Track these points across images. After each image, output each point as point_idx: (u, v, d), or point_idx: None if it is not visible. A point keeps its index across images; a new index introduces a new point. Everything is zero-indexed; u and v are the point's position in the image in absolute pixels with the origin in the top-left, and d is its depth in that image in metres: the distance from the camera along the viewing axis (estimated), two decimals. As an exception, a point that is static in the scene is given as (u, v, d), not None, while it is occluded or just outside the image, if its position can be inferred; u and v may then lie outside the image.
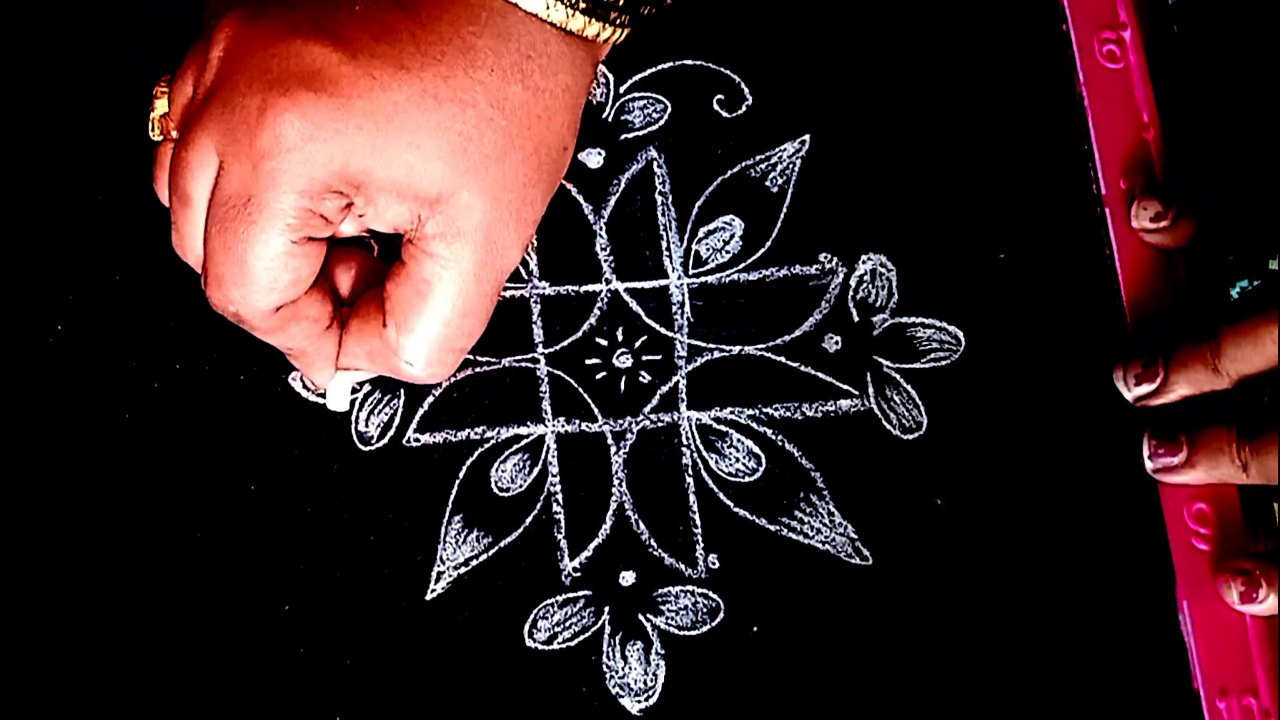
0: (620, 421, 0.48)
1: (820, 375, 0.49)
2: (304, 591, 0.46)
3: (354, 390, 0.48)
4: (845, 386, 0.49)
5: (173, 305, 0.47)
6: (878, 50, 0.52)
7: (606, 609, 0.47)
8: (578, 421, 0.48)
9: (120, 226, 0.48)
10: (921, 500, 0.48)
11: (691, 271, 0.50)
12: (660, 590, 0.47)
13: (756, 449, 0.48)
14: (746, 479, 0.48)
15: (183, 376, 0.47)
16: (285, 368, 0.47)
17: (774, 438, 0.48)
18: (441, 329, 0.43)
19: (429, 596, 0.46)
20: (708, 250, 0.50)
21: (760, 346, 0.49)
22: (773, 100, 0.51)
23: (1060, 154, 0.51)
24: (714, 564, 0.47)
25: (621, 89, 0.51)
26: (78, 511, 0.46)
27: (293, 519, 0.47)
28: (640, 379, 0.49)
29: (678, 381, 0.49)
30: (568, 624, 0.47)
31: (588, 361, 0.49)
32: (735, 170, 0.50)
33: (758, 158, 0.50)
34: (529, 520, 0.47)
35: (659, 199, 0.50)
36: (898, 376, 0.49)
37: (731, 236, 0.50)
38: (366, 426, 0.48)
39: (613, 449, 0.48)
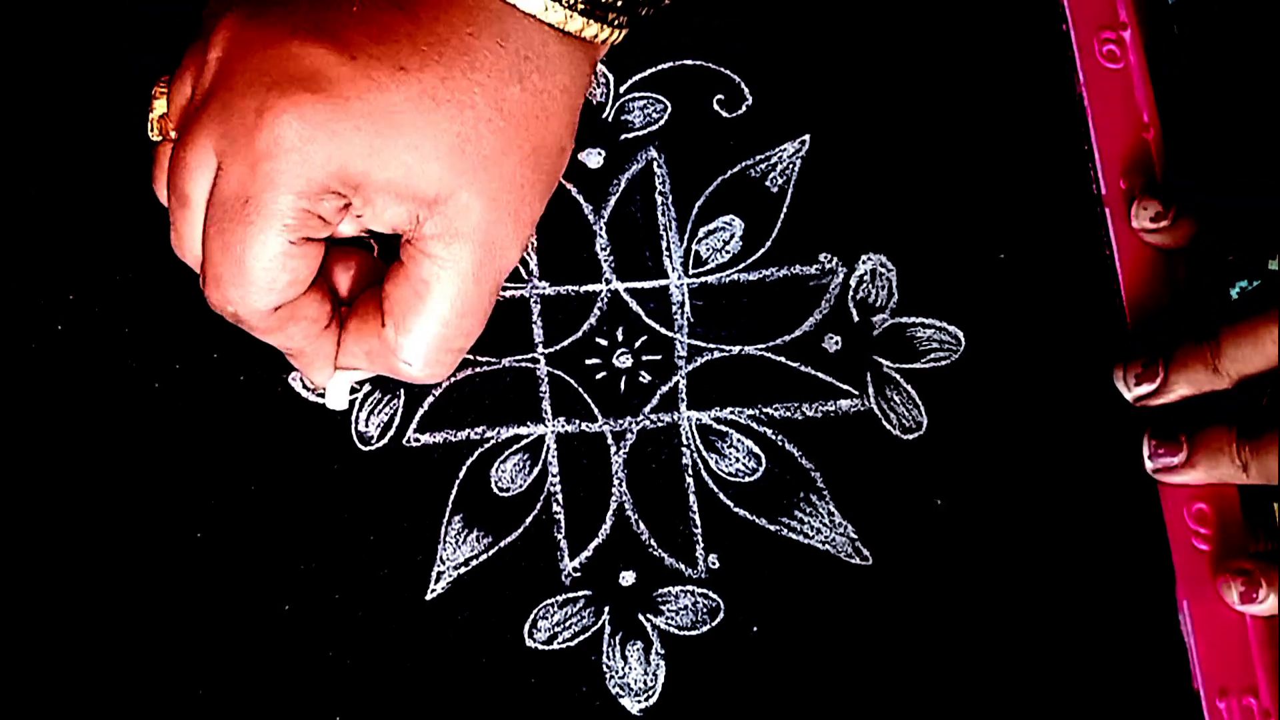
0: (620, 421, 0.48)
1: (820, 375, 0.49)
2: (304, 591, 0.46)
3: (353, 389, 0.48)
4: (845, 386, 0.49)
5: (173, 305, 0.47)
6: (878, 50, 0.52)
7: (606, 609, 0.47)
8: (578, 421, 0.48)
9: (120, 226, 0.48)
10: (921, 500, 0.48)
11: (691, 271, 0.50)
12: (660, 590, 0.47)
13: (756, 449, 0.48)
14: (746, 479, 0.48)
15: (183, 376, 0.47)
16: (285, 368, 0.47)
17: (774, 438, 0.48)
18: (440, 329, 0.43)
19: (429, 596, 0.46)
20: (708, 250, 0.50)
21: (760, 346, 0.49)
22: (773, 100, 0.51)
23: (1060, 154, 0.51)
24: (714, 564, 0.47)
25: (621, 89, 0.51)
26: (78, 511, 0.46)
27: (293, 519, 0.47)
28: (640, 379, 0.49)
29: (678, 381, 0.49)
30: (568, 624, 0.47)
31: (588, 361, 0.49)
32: (735, 170, 0.50)
33: (758, 158, 0.50)
34: (529, 520, 0.47)
35: (659, 199, 0.50)
36: (898, 376, 0.49)
37: (731, 236, 0.50)
38: (366, 426, 0.48)
39: (613, 449, 0.48)
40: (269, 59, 0.40)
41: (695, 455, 0.48)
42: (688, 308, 0.49)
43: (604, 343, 0.49)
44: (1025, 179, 0.51)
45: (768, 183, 0.50)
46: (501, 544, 0.47)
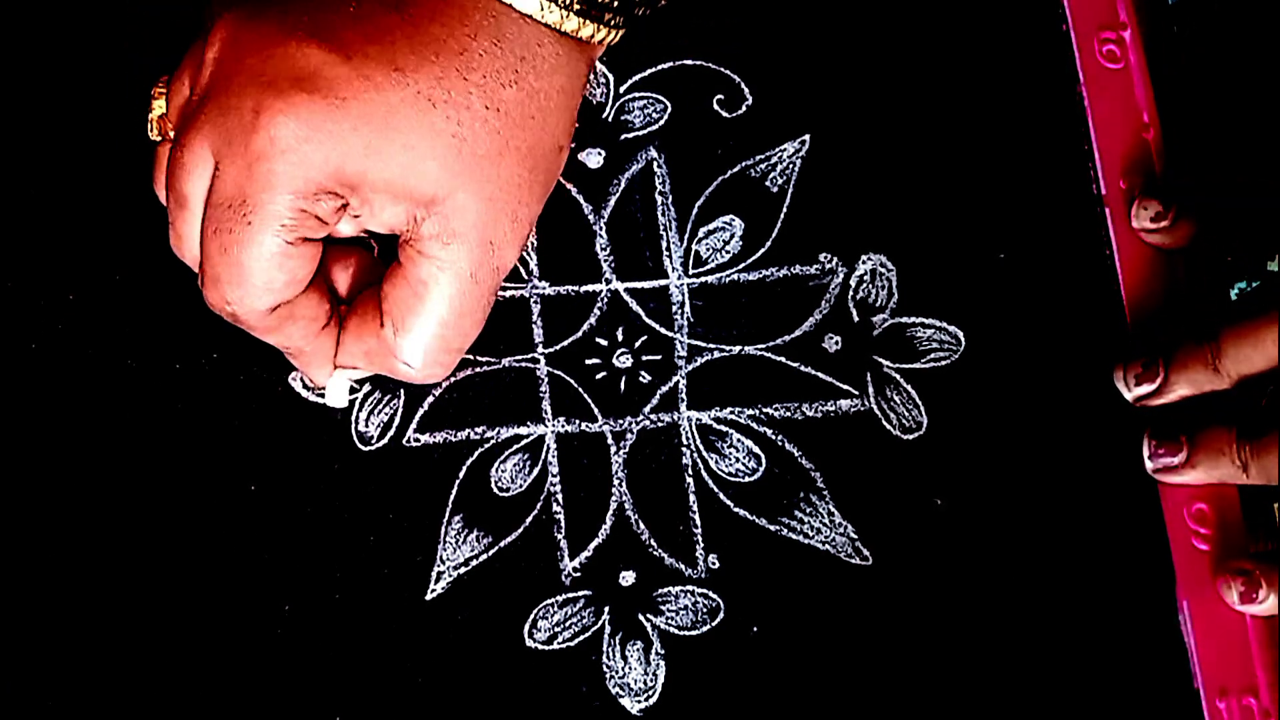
0: (620, 421, 0.48)
1: (820, 375, 0.49)
2: (304, 591, 0.46)
3: (353, 389, 0.48)
4: (845, 386, 0.49)
5: (173, 305, 0.47)
6: (878, 50, 0.52)
7: (606, 609, 0.47)
8: (578, 421, 0.48)
9: (120, 226, 0.48)
10: (921, 500, 0.48)
11: (691, 271, 0.50)
12: (660, 590, 0.47)
13: (756, 449, 0.48)
14: (746, 479, 0.48)
15: (183, 376, 0.47)
16: (285, 368, 0.47)
17: (774, 438, 0.48)
18: (438, 330, 0.43)
19: (429, 596, 0.46)
20: (708, 250, 0.50)
21: (760, 346, 0.49)
22: (773, 100, 0.51)
23: (1060, 154, 0.51)
24: (714, 564, 0.47)
25: (621, 89, 0.51)
26: (78, 511, 0.46)
27: (293, 519, 0.47)
28: (640, 379, 0.49)
29: (678, 381, 0.49)
30: (568, 624, 0.47)
31: (588, 361, 0.49)
32: (735, 170, 0.50)
33: (758, 158, 0.50)
34: (529, 520, 0.47)
35: (659, 199, 0.50)
36: (898, 376, 0.49)
37: (731, 236, 0.50)
38: (366, 426, 0.48)
39: (613, 449, 0.48)
40: (265, 59, 0.40)
41: (695, 455, 0.48)
42: (688, 308, 0.49)
43: (604, 343, 0.49)
44: (1025, 179, 0.51)
45: (768, 183, 0.50)
46: (501, 544, 0.47)
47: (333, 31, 0.40)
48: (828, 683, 0.47)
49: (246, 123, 0.39)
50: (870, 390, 0.49)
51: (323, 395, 0.47)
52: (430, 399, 0.48)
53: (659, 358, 0.49)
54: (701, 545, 0.47)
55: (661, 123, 0.51)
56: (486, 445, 0.48)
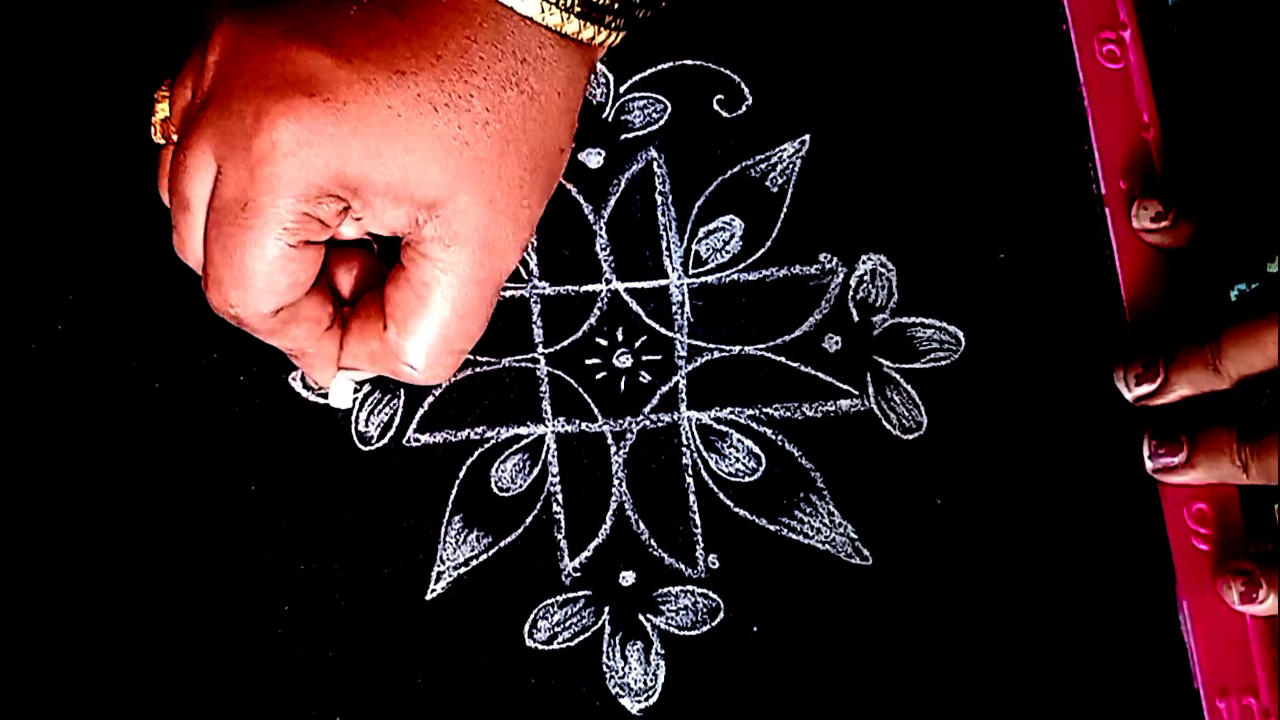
0: (620, 421, 0.48)
1: (820, 375, 0.49)
2: (304, 591, 0.46)
3: (356, 390, 0.48)
4: (845, 386, 0.49)
5: (173, 305, 0.47)
6: (878, 50, 0.52)
7: (606, 609, 0.47)
8: (578, 421, 0.48)
9: (120, 226, 0.48)
10: (921, 500, 0.48)
11: (691, 271, 0.50)
12: (660, 590, 0.47)
13: (756, 449, 0.48)
14: (746, 479, 0.48)
15: (183, 376, 0.47)
16: (286, 368, 0.47)
17: (774, 438, 0.48)
18: (441, 331, 0.43)
19: (429, 596, 0.46)
20: (708, 250, 0.50)
21: (760, 346, 0.49)
22: (773, 100, 0.51)
23: (1060, 154, 0.51)
24: (714, 564, 0.47)
25: (621, 89, 0.51)
26: (78, 511, 0.46)
27: (293, 519, 0.47)
28: (640, 379, 0.49)
29: (678, 381, 0.49)
30: (568, 624, 0.47)
31: (588, 361, 0.49)
32: (735, 170, 0.50)
33: (758, 158, 0.50)
34: (529, 520, 0.47)
35: (659, 199, 0.50)
36: (898, 376, 0.49)
37: (731, 236, 0.50)
38: (366, 426, 0.48)
39: (613, 449, 0.48)
40: (266, 63, 0.40)
41: (695, 455, 0.48)
42: (688, 308, 0.49)
43: (604, 343, 0.49)
44: (1025, 179, 0.51)
45: (768, 183, 0.50)
46: (501, 544, 0.47)
47: (333, 35, 0.40)
48: (828, 683, 0.47)
49: (248, 126, 0.39)
50: (870, 390, 0.49)
51: (325, 396, 0.47)
52: (430, 399, 0.48)
53: (659, 358, 0.49)
54: (701, 545, 0.47)
55: (661, 123, 0.51)
56: (486, 445, 0.48)
